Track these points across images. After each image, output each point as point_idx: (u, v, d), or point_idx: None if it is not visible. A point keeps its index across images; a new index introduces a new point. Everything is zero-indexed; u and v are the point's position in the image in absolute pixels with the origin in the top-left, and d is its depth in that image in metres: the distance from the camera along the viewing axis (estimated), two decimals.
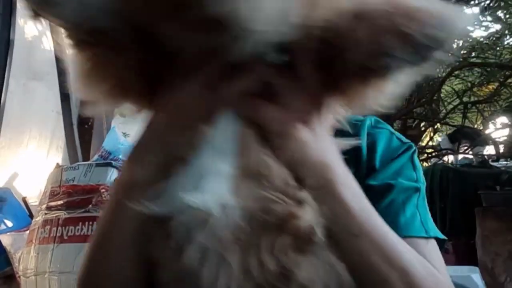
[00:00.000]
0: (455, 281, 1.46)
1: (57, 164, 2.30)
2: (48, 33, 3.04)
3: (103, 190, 1.87)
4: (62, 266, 1.77)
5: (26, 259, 1.91)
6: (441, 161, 3.92)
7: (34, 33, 3.06)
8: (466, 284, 1.96)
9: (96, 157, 2.21)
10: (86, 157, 2.96)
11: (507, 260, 2.86)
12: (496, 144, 3.83)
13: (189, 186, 0.52)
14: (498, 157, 3.54)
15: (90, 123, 3.27)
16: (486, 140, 3.62)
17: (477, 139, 3.47)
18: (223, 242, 0.52)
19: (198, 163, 0.53)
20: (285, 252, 0.53)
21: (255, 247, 0.53)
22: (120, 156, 2.13)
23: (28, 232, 2.05)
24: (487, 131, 3.98)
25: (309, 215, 0.54)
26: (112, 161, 2.01)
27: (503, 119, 3.90)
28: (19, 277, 1.99)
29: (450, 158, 4.13)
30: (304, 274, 0.53)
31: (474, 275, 2.17)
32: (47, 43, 3.11)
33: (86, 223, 1.81)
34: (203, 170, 0.53)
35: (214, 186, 0.52)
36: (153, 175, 0.55)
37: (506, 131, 3.88)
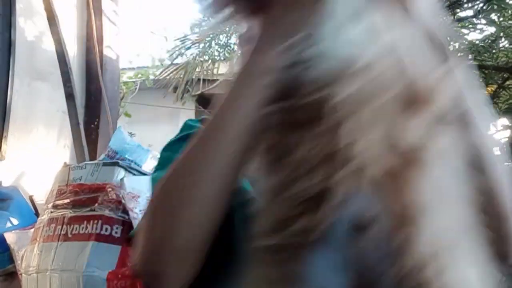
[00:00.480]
0: None
1: (65, 163, 2.32)
2: (49, 33, 3.07)
3: (110, 189, 1.88)
4: (64, 264, 1.78)
5: (29, 257, 1.92)
6: None
7: (34, 33, 3.09)
8: None
9: (102, 156, 2.23)
10: (92, 156, 2.97)
11: None
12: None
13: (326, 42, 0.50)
14: None
15: (96, 123, 3.29)
16: None
17: None
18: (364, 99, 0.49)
19: (329, 28, 0.51)
20: (423, 125, 0.50)
21: (395, 117, 0.50)
22: (127, 156, 2.14)
23: (33, 230, 2.06)
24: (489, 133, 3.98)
25: (450, 90, 0.51)
26: (118, 161, 2.02)
27: (503, 121, 3.89)
28: (21, 274, 2.01)
29: None
30: (440, 146, 0.50)
31: None
32: (48, 44, 3.13)
33: (91, 221, 1.82)
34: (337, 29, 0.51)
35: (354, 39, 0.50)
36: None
37: (507, 133, 3.87)
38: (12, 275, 2.18)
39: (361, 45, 0.50)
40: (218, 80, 5.83)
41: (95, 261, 1.75)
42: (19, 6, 2.92)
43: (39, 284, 1.85)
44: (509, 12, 3.15)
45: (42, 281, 1.84)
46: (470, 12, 3.22)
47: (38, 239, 1.91)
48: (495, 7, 3.03)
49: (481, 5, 3.00)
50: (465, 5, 3.11)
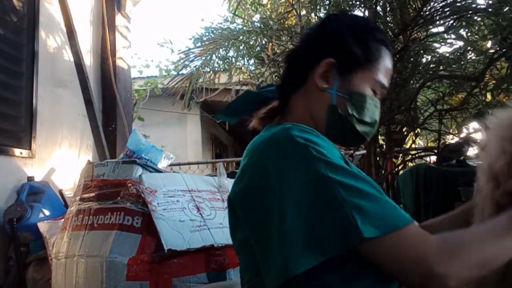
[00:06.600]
0: None
1: (88, 161, 2.34)
2: (68, 46, 3.15)
3: (130, 184, 1.91)
4: (90, 250, 1.82)
5: (59, 244, 1.96)
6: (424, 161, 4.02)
7: (55, 46, 3.15)
8: None
9: (121, 155, 2.26)
10: (112, 155, 3.04)
11: None
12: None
13: None
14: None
15: (113, 126, 3.35)
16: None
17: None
18: None
19: None
20: None
21: None
22: (143, 155, 2.18)
23: (63, 220, 2.10)
24: (461, 135, 4.10)
25: None
26: (136, 159, 2.05)
27: (475, 124, 3.97)
28: (51, 259, 2.04)
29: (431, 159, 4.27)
30: None
31: None
32: (68, 55, 3.21)
33: (115, 213, 1.85)
34: None
35: None
36: None
37: (479, 135, 3.96)
38: (43, 260, 2.24)
39: None
40: (218, 89, 5.94)
41: (118, 248, 1.78)
42: (41, 21, 2.99)
43: (67, 268, 1.89)
44: (476, 28, 3.25)
45: (69, 265, 1.87)
46: (441, 28, 3.32)
47: (67, 228, 1.96)
48: (464, 23, 3.12)
49: (451, 22, 3.09)
50: (437, 22, 3.20)
